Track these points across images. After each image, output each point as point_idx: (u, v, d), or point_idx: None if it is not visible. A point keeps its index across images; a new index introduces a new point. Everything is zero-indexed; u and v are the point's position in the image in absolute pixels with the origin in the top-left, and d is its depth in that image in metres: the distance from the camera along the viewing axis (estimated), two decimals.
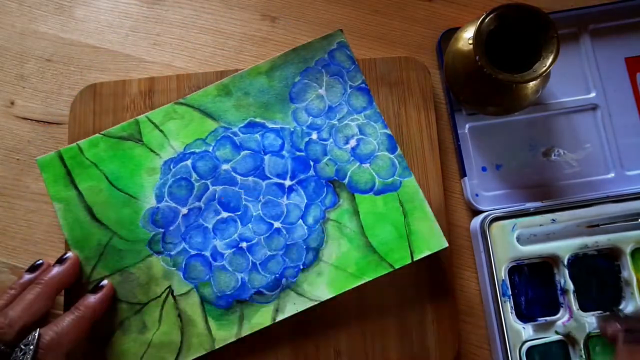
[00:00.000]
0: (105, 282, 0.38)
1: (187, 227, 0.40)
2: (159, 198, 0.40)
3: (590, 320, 0.39)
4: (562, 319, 0.39)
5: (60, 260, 0.38)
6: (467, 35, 0.39)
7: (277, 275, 0.39)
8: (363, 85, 0.42)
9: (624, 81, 0.44)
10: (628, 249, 0.40)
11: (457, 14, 0.45)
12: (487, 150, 0.43)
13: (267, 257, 0.39)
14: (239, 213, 0.40)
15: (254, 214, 0.40)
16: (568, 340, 0.39)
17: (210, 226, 0.40)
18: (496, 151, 0.43)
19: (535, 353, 0.39)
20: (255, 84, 0.42)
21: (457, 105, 0.43)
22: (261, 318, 0.39)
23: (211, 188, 0.41)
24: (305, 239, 0.40)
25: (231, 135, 0.41)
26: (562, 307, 0.40)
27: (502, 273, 0.40)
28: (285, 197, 0.40)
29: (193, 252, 0.40)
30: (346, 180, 0.41)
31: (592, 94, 0.44)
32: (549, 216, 0.40)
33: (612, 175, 0.43)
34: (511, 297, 0.40)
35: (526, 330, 0.39)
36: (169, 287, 0.39)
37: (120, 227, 0.40)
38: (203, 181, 0.41)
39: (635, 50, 0.44)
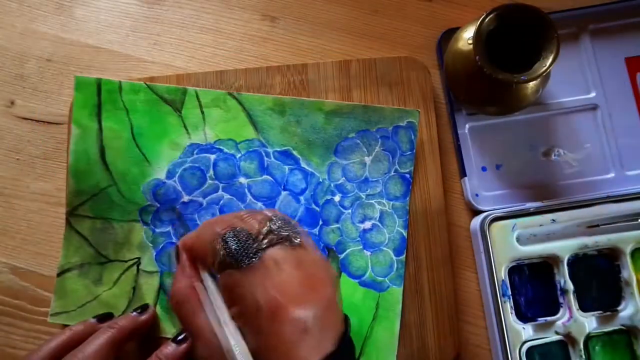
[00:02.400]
0: (150, 307, 0.39)
1: (181, 214, 0.40)
2: (170, 175, 0.40)
3: (590, 320, 0.39)
4: (562, 319, 0.39)
5: (140, 309, 0.38)
6: (467, 35, 0.39)
7: None
8: (408, 175, 0.41)
9: (624, 81, 0.44)
10: (628, 249, 0.40)
11: (457, 14, 0.45)
12: (487, 150, 0.43)
13: None
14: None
15: None
16: (568, 340, 0.39)
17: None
18: (496, 151, 0.43)
19: (535, 353, 0.39)
20: (311, 117, 0.41)
21: (457, 105, 0.43)
22: None
23: (220, 192, 0.40)
24: None
25: (263, 154, 0.41)
26: (562, 307, 0.40)
27: (502, 273, 0.40)
28: None
29: (174, 240, 0.40)
30: (342, 256, 0.40)
31: (592, 94, 0.44)
32: (549, 216, 0.40)
33: (612, 175, 0.43)
34: (511, 297, 0.40)
35: (526, 330, 0.39)
36: (139, 258, 0.40)
37: (123, 181, 0.40)
38: (216, 182, 0.40)
39: (635, 50, 0.44)
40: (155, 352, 0.35)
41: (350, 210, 0.40)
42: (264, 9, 0.46)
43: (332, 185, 0.40)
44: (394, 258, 0.40)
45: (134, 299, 0.39)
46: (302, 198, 0.40)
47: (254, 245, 0.30)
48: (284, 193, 0.40)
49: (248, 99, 0.41)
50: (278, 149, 0.41)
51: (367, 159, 0.41)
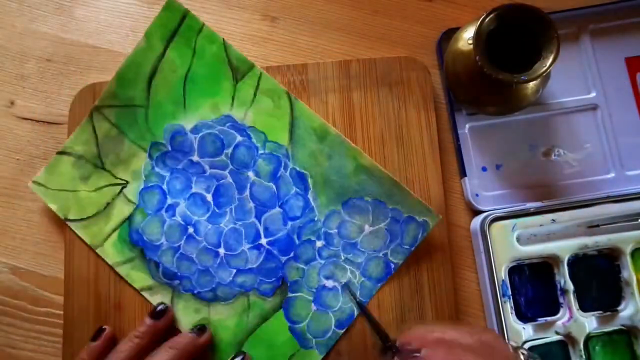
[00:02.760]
0: (208, 327, 0.38)
1: (183, 170, 0.41)
2: (195, 130, 0.41)
3: (590, 320, 0.39)
4: (562, 319, 0.39)
5: (199, 330, 0.38)
6: (467, 35, 0.39)
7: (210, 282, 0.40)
8: (393, 265, 0.40)
9: (624, 81, 0.44)
10: (628, 249, 0.40)
11: (457, 14, 0.45)
12: (487, 150, 0.43)
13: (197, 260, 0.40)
14: (215, 209, 0.41)
15: (223, 222, 0.40)
16: (568, 340, 0.39)
17: (193, 191, 0.41)
18: (496, 151, 0.43)
19: (535, 353, 0.39)
20: (343, 159, 0.41)
21: (457, 105, 0.43)
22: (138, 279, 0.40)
23: (226, 172, 0.41)
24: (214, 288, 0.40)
25: (282, 165, 0.41)
26: (562, 307, 0.40)
27: (502, 273, 0.40)
28: (248, 244, 0.40)
29: (164, 187, 0.41)
30: (290, 295, 0.40)
31: (592, 94, 0.44)
32: (549, 216, 0.40)
33: (612, 175, 0.43)
34: (511, 297, 0.40)
35: (526, 330, 0.39)
36: (127, 183, 0.41)
37: (154, 110, 0.41)
38: (228, 162, 0.41)
39: (635, 50, 0.44)
40: (168, 342, 0.36)
41: (323, 261, 0.40)
42: (264, 9, 0.46)
43: (322, 230, 0.40)
44: (333, 328, 0.39)
45: (102, 213, 0.40)
46: (290, 223, 0.40)
47: None
48: (277, 210, 0.40)
49: (300, 108, 0.41)
50: (297, 168, 0.41)
51: (368, 228, 0.40)
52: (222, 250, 0.40)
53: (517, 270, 0.41)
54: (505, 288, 0.40)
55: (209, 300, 0.39)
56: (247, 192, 0.41)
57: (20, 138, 0.44)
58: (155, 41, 0.41)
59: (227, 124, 0.41)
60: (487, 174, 0.43)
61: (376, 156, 0.42)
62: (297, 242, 0.40)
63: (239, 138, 0.41)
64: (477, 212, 0.42)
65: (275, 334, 0.39)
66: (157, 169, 0.41)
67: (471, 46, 0.37)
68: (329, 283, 0.40)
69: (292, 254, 0.40)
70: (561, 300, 0.40)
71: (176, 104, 0.41)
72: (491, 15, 0.36)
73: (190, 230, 0.40)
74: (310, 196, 0.41)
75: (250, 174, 0.41)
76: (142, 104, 0.41)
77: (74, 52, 0.45)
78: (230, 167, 0.41)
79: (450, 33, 0.42)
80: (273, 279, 0.40)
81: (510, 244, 0.40)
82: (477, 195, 0.42)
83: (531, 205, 0.41)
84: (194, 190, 0.41)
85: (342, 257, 0.40)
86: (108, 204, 0.41)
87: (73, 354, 0.38)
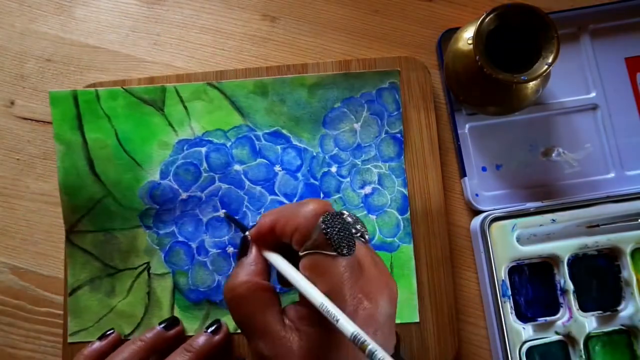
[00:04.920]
0: (223, 323, 0.38)
1: (182, 212, 0.40)
2: (164, 175, 0.40)
3: (590, 320, 0.39)
4: (562, 319, 0.39)
5: (213, 329, 0.37)
6: (467, 35, 0.39)
7: None
8: (399, 135, 0.41)
9: (624, 81, 0.44)
10: (628, 249, 0.40)
11: (457, 14, 0.45)
12: (487, 150, 0.43)
13: None
14: (236, 217, 0.40)
15: (251, 223, 0.40)
16: (568, 340, 0.39)
17: (204, 220, 0.40)
18: (496, 151, 0.43)
19: (535, 353, 0.39)
20: (294, 93, 0.41)
21: (457, 105, 0.43)
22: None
23: (217, 183, 0.40)
24: None
25: (253, 138, 0.41)
26: (562, 307, 0.40)
27: (502, 273, 0.40)
28: None
29: (180, 239, 0.40)
30: None
31: (592, 94, 0.44)
32: (549, 216, 0.40)
33: (612, 175, 0.43)
34: (511, 297, 0.40)
35: (526, 330, 0.39)
36: (148, 263, 0.39)
37: (117, 190, 0.40)
38: (211, 174, 0.40)
39: (635, 50, 0.44)
40: (183, 345, 0.36)
41: (348, 179, 0.40)
42: (264, 9, 0.46)
43: (326, 157, 0.41)
44: (399, 217, 0.40)
45: (150, 303, 0.39)
46: (299, 175, 0.40)
47: (351, 234, 0.27)
48: (280, 173, 0.40)
49: (229, 86, 0.41)
50: (267, 131, 0.41)
51: (357, 126, 0.41)
52: None
53: (517, 270, 0.41)
54: (505, 288, 0.40)
55: None
56: (247, 182, 0.41)
57: (20, 138, 0.44)
58: (69, 137, 0.40)
59: (185, 147, 0.41)
60: (487, 174, 0.43)
61: None
62: (316, 183, 0.40)
63: (203, 150, 0.40)
64: (477, 212, 0.42)
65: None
66: (162, 232, 0.40)
67: (471, 46, 0.37)
68: (367, 189, 0.40)
69: (321, 195, 0.40)
70: (561, 300, 0.40)
71: (130, 169, 0.40)
72: (491, 15, 0.36)
73: (230, 250, 0.40)
74: (295, 142, 0.41)
75: (236, 167, 0.41)
76: (103, 194, 0.40)
77: (74, 52, 0.45)
78: (217, 176, 0.40)
79: (450, 33, 0.42)
80: None
81: (510, 244, 0.40)
82: (477, 195, 0.42)
83: (531, 205, 0.41)
84: (205, 218, 0.40)
85: (359, 163, 0.41)
86: (148, 293, 0.39)
87: (73, 354, 0.38)
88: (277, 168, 0.40)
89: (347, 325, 0.24)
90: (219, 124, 0.41)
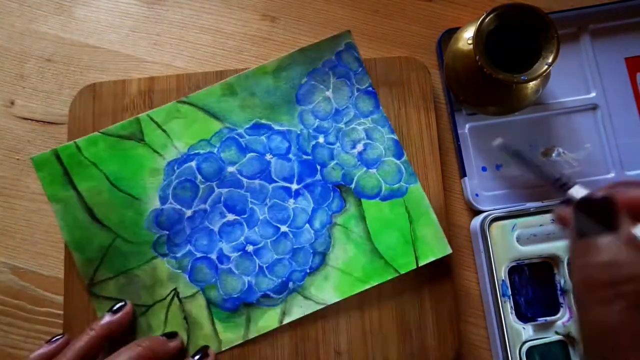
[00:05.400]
0: (126, 304, 0.38)
1: (193, 229, 0.40)
2: (163, 200, 0.40)
3: None
4: (562, 319, 0.39)
5: (114, 310, 0.37)
6: (467, 35, 0.39)
7: (284, 278, 0.39)
8: (370, 88, 0.42)
9: (624, 81, 0.44)
10: None
11: (457, 14, 0.45)
12: (487, 150, 0.43)
13: (273, 261, 0.40)
14: (245, 216, 0.40)
15: (261, 217, 0.40)
16: (568, 340, 0.39)
17: (216, 229, 0.40)
18: (496, 151, 0.43)
19: (535, 353, 0.39)
20: (261, 84, 0.42)
21: (457, 105, 0.43)
22: (268, 321, 0.39)
23: (217, 190, 0.40)
24: (311, 243, 0.40)
25: (236, 137, 0.41)
26: (562, 307, 0.40)
27: (502, 273, 0.40)
28: (292, 200, 0.40)
29: (199, 255, 0.40)
30: (353, 185, 0.41)
31: (592, 94, 0.44)
32: (549, 216, 0.40)
33: (612, 175, 0.43)
34: (511, 297, 0.40)
35: (526, 330, 0.39)
36: (175, 289, 0.39)
37: (123, 229, 0.40)
38: (208, 183, 0.40)
39: (635, 50, 0.44)
40: (135, 341, 0.35)
41: (338, 144, 0.41)
42: (264, 9, 0.46)
43: (310, 131, 0.41)
44: (397, 162, 0.41)
45: (190, 327, 0.39)
46: (290, 156, 0.41)
47: None
48: (273, 160, 0.41)
49: (198, 98, 0.41)
50: (247, 126, 0.41)
51: (329, 93, 0.42)
52: (284, 228, 0.40)
53: (517, 270, 0.41)
54: (505, 288, 0.40)
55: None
56: (244, 180, 0.41)
57: (20, 138, 0.44)
58: (62, 194, 0.40)
59: (176, 167, 0.41)
60: (487, 174, 0.43)
61: None
62: (309, 157, 0.41)
63: (193, 163, 0.41)
64: (477, 212, 0.42)
65: (380, 214, 0.40)
66: (178, 255, 0.40)
67: (471, 46, 0.37)
68: (359, 147, 0.41)
69: (318, 167, 0.41)
70: (561, 300, 0.40)
71: (130, 206, 0.40)
72: (491, 15, 0.36)
73: (249, 248, 0.40)
74: (277, 127, 0.41)
75: (229, 168, 0.41)
76: (111, 239, 0.39)
77: (74, 52, 0.45)
78: (214, 183, 0.40)
79: (450, 33, 0.42)
80: (332, 197, 0.40)
81: (510, 244, 0.40)
82: (477, 195, 0.42)
83: (531, 205, 0.41)
84: (216, 227, 0.40)
85: (343, 126, 0.41)
86: (185, 317, 0.39)
87: None
88: (268, 156, 0.41)
89: None
90: (200, 135, 0.41)
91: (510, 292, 0.40)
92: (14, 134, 0.44)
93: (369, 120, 0.41)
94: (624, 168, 0.43)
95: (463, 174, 0.42)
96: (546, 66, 0.35)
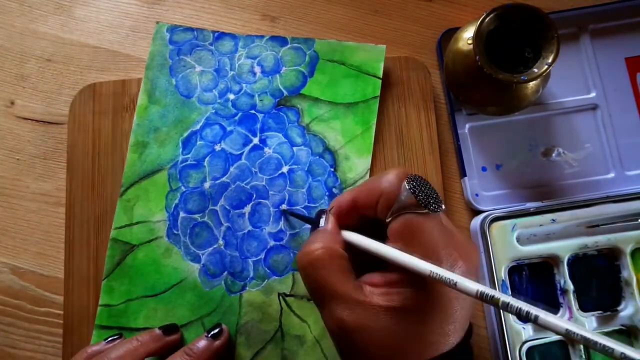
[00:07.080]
0: (224, 328, 0.38)
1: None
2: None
3: (590, 320, 0.39)
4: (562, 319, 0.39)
5: (214, 333, 0.37)
6: (467, 35, 0.39)
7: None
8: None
9: (624, 81, 0.44)
10: (628, 249, 0.40)
11: (457, 14, 0.45)
12: (487, 150, 0.43)
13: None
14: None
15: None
16: (568, 340, 0.39)
17: (246, 231, 0.41)
18: (496, 151, 0.43)
19: (535, 353, 0.39)
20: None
21: (457, 105, 0.43)
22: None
23: (221, 217, 0.41)
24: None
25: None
26: (562, 307, 0.40)
27: (502, 273, 0.40)
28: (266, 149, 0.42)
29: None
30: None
31: (592, 94, 0.44)
32: (549, 216, 0.40)
33: (612, 175, 0.43)
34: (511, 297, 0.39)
35: (526, 330, 0.39)
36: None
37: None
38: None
39: (635, 50, 0.44)
40: (184, 348, 0.35)
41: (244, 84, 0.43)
42: (264, 9, 0.46)
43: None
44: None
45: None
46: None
47: (435, 192, 0.27)
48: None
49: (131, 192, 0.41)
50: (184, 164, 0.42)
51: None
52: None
53: (517, 270, 0.41)
54: (505, 288, 0.40)
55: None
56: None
57: (20, 138, 0.44)
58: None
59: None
60: (487, 174, 0.43)
61: (376, 156, 0.42)
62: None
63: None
64: (477, 212, 0.42)
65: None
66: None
67: (471, 46, 0.37)
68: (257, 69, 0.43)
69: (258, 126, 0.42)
70: (561, 300, 0.40)
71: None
72: (491, 15, 0.36)
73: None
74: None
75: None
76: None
77: (74, 52, 0.45)
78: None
79: (450, 33, 0.42)
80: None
81: (510, 244, 0.40)
82: (477, 195, 0.42)
83: (531, 205, 0.41)
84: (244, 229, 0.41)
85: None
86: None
87: (73, 353, 0.38)
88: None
89: (469, 285, 0.23)
90: (157, 206, 0.41)
91: (510, 292, 0.40)
92: (14, 134, 0.44)
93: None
94: (624, 168, 0.43)
95: (463, 174, 0.42)
96: (546, 66, 0.35)
